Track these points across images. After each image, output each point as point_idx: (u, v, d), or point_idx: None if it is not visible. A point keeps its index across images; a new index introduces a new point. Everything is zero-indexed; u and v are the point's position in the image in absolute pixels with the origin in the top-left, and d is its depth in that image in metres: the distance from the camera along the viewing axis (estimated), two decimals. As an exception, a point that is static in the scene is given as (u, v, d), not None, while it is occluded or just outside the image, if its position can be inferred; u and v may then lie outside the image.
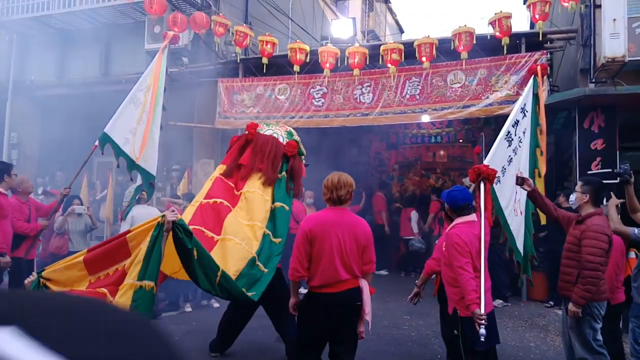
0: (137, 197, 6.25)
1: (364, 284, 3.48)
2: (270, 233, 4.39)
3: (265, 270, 4.19)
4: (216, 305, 7.01)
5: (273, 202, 4.58)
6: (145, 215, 6.59)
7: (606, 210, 4.33)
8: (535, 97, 5.07)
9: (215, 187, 4.60)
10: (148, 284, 2.86)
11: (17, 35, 11.27)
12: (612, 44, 6.58)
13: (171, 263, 3.43)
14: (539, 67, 5.46)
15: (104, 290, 3.06)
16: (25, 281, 3.21)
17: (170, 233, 3.16)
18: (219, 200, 4.47)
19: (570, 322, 3.89)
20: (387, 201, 10.32)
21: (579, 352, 3.83)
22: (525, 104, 4.78)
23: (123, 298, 2.83)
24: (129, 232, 3.21)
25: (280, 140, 4.81)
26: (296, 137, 4.97)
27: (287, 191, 4.71)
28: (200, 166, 9.56)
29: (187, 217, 4.13)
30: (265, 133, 4.82)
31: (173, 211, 3.21)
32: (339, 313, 3.42)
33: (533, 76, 5.20)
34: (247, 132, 4.86)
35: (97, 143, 5.63)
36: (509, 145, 4.36)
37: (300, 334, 3.60)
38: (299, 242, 3.44)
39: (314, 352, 3.57)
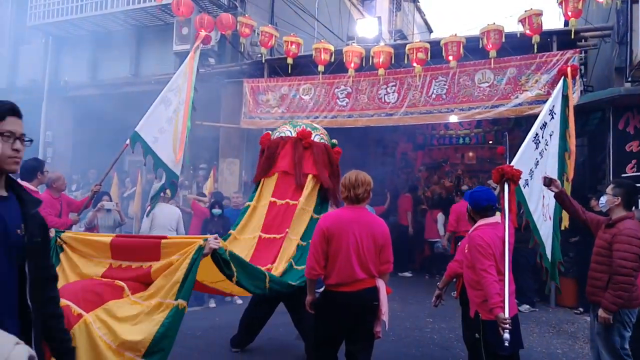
0: (160, 195, 6.37)
1: (381, 284, 3.43)
2: (305, 243, 4.51)
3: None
4: (239, 301, 7.07)
5: (314, 212, 4.74)
6: (166, 213, 6.78)
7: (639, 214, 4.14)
8: (565, 98, 4.91)
9: (269, 216, 4.74)
10: (182, 303, 2.95)
11: (53, 38, 11.65)
12: (650, 41, 6.33)
13: (212, 272, 3.49)
14: (569, 68, 5.31)
15: (122, 284, 3.11)
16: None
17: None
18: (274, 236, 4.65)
19: (598, 328, 3.75)
20: (414, 203, 10.17)
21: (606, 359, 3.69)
22: (554, 106, 4.63)
23: (159, 315, 2.90)
24: (165, 237, 3.29)
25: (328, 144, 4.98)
26: (334, 141, 5.13)
27: (322, 204, 4.88)
28: (226, 165, 9.67)
29: (245, 252, 4.38)
30: (315, 139, 4.92)
31: (216, 237, 3.24)
32: (354, 312, 3.37)
33: (563, 77, 5.06)
34: (301, 140, 4.88)
35: (128, 142, 5.78)
36: (536, 148, 4.23)
37: (316, 332, 3.59)
38: (316, 240, 3.43)
39: (330, 350, 3.54)
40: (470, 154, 12.22)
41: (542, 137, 4.34)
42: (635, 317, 3.74)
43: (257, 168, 5.14)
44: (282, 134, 5.04)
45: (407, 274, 9.44)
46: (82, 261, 3.34)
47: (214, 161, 9.83)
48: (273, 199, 4.78)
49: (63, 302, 2.75)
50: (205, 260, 3.17)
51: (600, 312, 3.65)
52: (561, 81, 4.99)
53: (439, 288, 4.28)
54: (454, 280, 4.20)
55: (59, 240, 3.33)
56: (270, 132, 5.30)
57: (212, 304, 7.08)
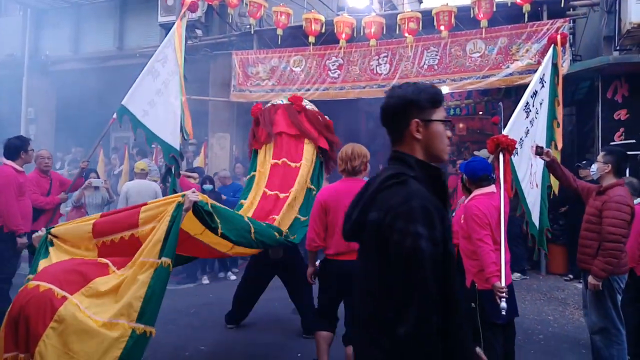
0: (172, 173, 6.01)
1: None
2: (300, 217, 4.52)
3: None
4: (233, 277, 7.10)
5: (309, 182, 4.73)
6: (143, 189, 6.54)
7: (628, 180, 4.20)
8: (555, 67, 4.91)
9: (272, 176, 4.74)
10: (166, 260, 2.90)
11: (31, 11, 11.24)
12: (638, 9, 6.32)
13: (197, 224, 3.44)
14: (558, 37, 5.28)
15: (106, 260, 3.06)
16: (34, 236, 3.25)
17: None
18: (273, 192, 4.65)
19: (590, 295, 3.83)
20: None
21: (597, 324, 3.78)
22: (544, 74, 4.63)
23: (143, 275, 2.86)
24: (145, 204, 3.20)
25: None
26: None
27: (319, 176, 4.87)
28: (216, 140, 9.56)
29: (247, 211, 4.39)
30: (307, 107, 4.94)
31: (194, 191, 3.20)
32: (348, 280, 3.46)
33: (552, 46, 5.04)
34: (293, 104, 4.90)
35: (115, 116, 5.60)
36: (527, 117, 4.25)
37: (319, 300, 3.74)
38: (315, 213, 3.57)
39: (329, 318, 3.69)
40: (461, 125, 12.20)
41: (533, 106, 4.36)
42: (625, 282, 3.83)
43: (252, 137, 5.14)
44: (274, 103, 5.11)
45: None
46: (73, 250, 3.24)
47: (204, 136, 9.71)
48: (274, 161, 4.80)
49: (44, 285, 2.73)
50: (190, 215, 3.15)
51: (590, 279, 3.72)
52: (551, 49, 4.98)
53: None
54: None
55: (49, 236, 3.23)
56: (261, 104, 5.28)
57: (206, 281, 7.08)
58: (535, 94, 4.40)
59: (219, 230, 3.36)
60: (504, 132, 3.75)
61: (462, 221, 3.68)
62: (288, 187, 4.58)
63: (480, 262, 3.41)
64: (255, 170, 4.96)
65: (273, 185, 4.66)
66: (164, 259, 2.89)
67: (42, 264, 3.04)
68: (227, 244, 3.60)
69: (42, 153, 5.79)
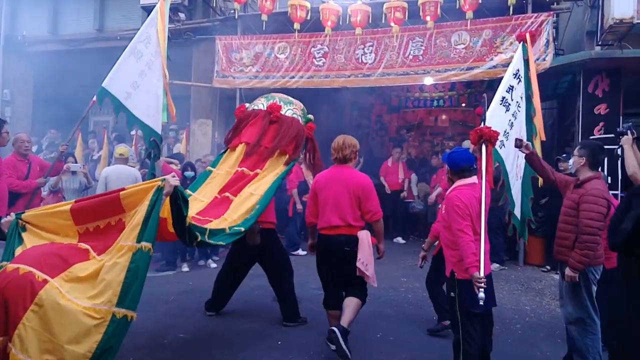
0: (153, 158, 5.88)
1: (363, 235, 4.01)
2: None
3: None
4: (213, 265, 7.06)
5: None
6: (122, 176, 6.36)
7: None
8: (526, 63, 4.98)
9: (230, 181, 4.60)
10: (146, 245, 2.89)
11: (7, -11, 10.91)
12: (621, 5, 6.39)
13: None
14: (527, 34, 5.36)
15: (86, 246, 3.03)
16: (3, 221, 3.17)
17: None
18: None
19: (566, 286, 3.89)
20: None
21: (573, 314, 3.85)
22: (518, 70, 4.66)
23: (122, 259, 2.85)
24: (123, 189, 3.16)
25: (300, 121, 4.88)
26: (310, 116, 5.06)
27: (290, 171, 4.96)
28: (197, 126, 9.44)
29: (195, 209, 4.16)
30: (286, 114, 4.84)
31: (174, 176, 3.17)
32: (332, 252, 4.05)
33: (522, 43, 5.10)
34: (270, 113, 4.81)
35: (95, 98, 5.41)
36: (507, 111, 4.28)
37: (319, 273, 4.27)
38: (310, 195, 4.32)
39: (333, 290, 4.20)
40: (444, 116, 12.28)
41: (512, 100, 4.38)
42: (600, 274, 3.90)
43: (230, 134, 5.08)
44: (255, 107, 4.99)
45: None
46: (51, 237, 3.16)
47: (186, 122, 9.57)
48: (240, 168, 4.66)
49: (25, 268, 2.71)
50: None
51: (567, 271, 3.76)
52: (520, 46, 5.05)
53: (424, 249, 4.68)
54: (438, 240, 4.31)
55: (20, 221, 3.14)
56: (246, 105, 5.19)
57: (186, 269, 7.01)
58: (511, 88, 4.42)
59: (188, 220, 3.32)
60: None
61: (443, 211, 3.70)
62: (239, 190, 4.46)
63: (460, 252, 3.44)
64: (214, 167, 4.86)
65: (227, 189, 4.53)
66: (143, 243, 2.89)
67: (18, 251, 2.99)
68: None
69: (22, 136, 5.67)
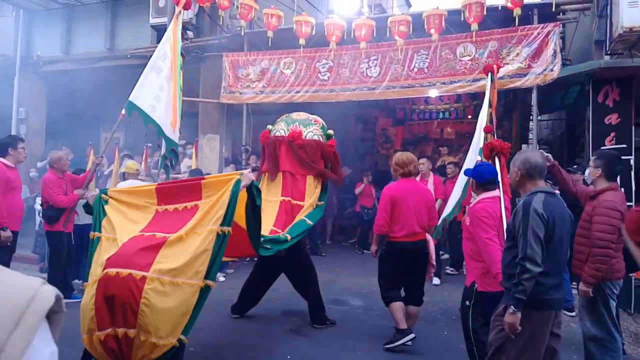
0: (166, 166, 6.15)
1: (429, 237, 4.66)
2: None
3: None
4: (222, 279, 7.04)
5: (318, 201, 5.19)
6: None
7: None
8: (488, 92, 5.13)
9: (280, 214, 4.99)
10: (226, 228, 3.32)
11: (24, 11, 11.20)
12: (631, 13, 6.30)
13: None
14: (494, 66, 5.52)
15: (163, 234, 3.38)
16: (89, 195, 3.85)
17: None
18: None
19: (582, 300, 3.79)
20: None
21: (590, 330, 3.73)
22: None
23: (207, 241, 3.27)
24: (203, 178, 3.67)
25: (321, 140, 5.22)
26: (330, 132, 5.37)
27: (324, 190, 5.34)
28: (205, 141, 9.50)
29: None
30: (307, 137, 5.16)
31: (250, 171, 3.71)
32: (412, 256, 4.56)
33: (490, 73, 5.26)
34: (293, 141, 5.15)
35: (123, 111, 5.57)
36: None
37: (382, 276, 4.69)
38: (384, 204, 4.59)
39: (396, 288, 4.65)
40: (449, 129, 12.19)
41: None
42: (620, 289, 3.77)
43: (262, 164, 5.56)
44: (277, 133, 5.29)
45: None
46: (129, 210, 3.66)
47: (194, 137, 9.65)
48: (282, 198, 5.02)
49: (124, 271, 3.12)
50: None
51: (580, 286, 3.69)
52: (489, 76, 5.24)
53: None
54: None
55: (104, 195, 3.71)
56: (269, 129, 5.44)
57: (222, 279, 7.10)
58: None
59: (260, 211, 3.75)
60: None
61: (467, 223, 3.68)
62: (288, 222, 4.86)
63: (488, 261, 3.42)
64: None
65: (277, 223, 4.89)
66: (225, 227, 3.31)
67: (104, 222, 3.60)
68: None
69: (61, 154, 6.20)
